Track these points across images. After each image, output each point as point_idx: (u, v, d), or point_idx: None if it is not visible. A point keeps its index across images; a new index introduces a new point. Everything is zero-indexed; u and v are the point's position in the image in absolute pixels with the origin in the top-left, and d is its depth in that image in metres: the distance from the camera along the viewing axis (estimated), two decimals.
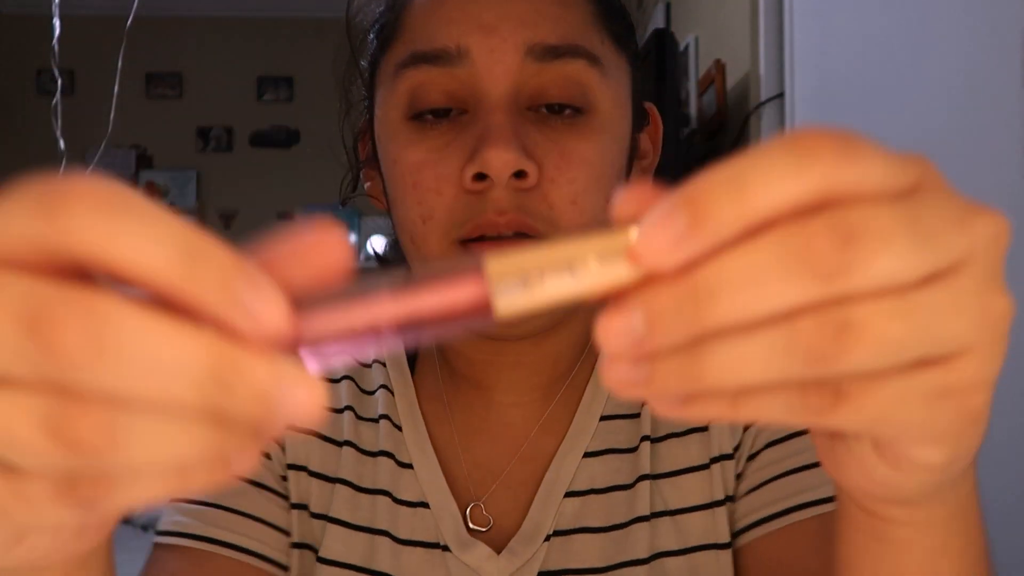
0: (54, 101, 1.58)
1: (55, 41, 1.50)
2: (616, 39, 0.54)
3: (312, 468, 0.57)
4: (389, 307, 0.22)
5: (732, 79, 1.95)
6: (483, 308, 0.22)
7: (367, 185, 0.62)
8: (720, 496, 0.56)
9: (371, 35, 0.58)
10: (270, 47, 3.93)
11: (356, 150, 0.63)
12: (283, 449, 0.58)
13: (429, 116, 0.51)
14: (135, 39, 1.50)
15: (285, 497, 0.57)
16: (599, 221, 0.50)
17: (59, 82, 1.57)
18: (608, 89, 0.52)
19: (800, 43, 1.61)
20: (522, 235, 0.49)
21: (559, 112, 0.51)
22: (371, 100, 0.57)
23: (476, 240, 0.49)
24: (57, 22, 1.50)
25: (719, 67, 2.01)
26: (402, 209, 0.52)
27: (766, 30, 1.73)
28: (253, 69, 4.01)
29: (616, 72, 0.54)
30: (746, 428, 0.57)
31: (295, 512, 0.57)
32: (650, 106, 0.61)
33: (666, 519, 0.55)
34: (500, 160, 0.47)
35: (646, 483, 0.56)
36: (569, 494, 0.56)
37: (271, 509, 0.56)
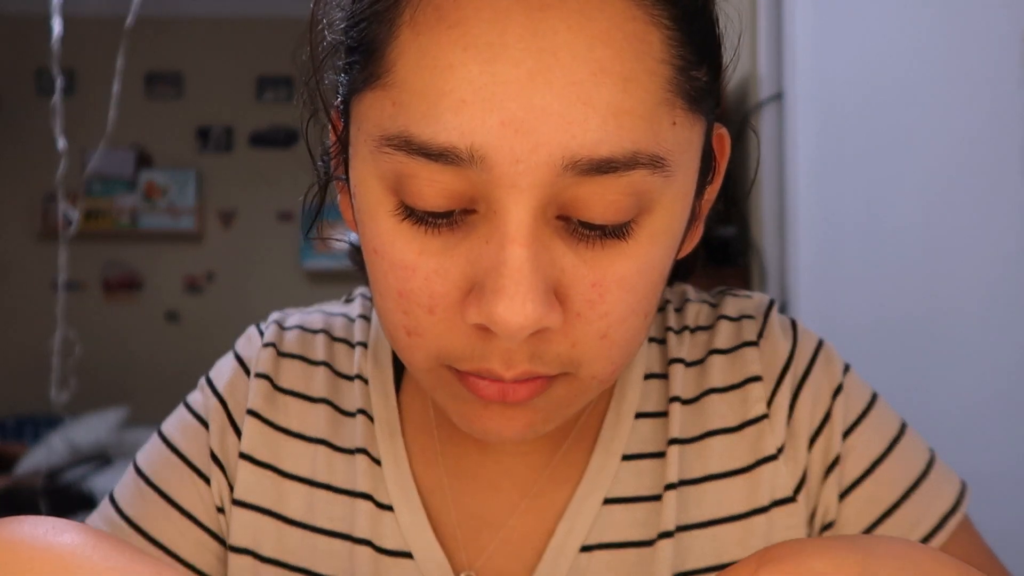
0: (54, 101, 1.58)
1: (55, 41, 1.50)
2: (694, 102, 0.39)
3: (281, 512, 0.51)
4: None
5: (732, 79, 1.95)
6: None
7: (339, 199, 0.48)
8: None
9: (340, 57, 0.42)
10: (270, 47, 3.92)
11: (327, 163, 0.49)
12: (230, 486, 0.51)
13: (426, 216, 0.38)
14: (135, 39, 1.50)
15: (212, 534, 0.51)
16: (631, 346, 0.41)
17: (59, 82, 1.57)
18: (671, 186, 0.38)
19: (800, 43, 1.61)
20: (532, 379, 0.40)
21: (599, 226, 0.37)
22: (346, 124, 0.43)
23: (473, 375, 0.40)
24: (57, 22, 1.50)
25: None
26: (382, 303, 0.41)
27: (766, 30, 1.73)
28: (253, 69, 4.01)
29: (687, 152, 0.39)
30: (808, 466, 0.50)
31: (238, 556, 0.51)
32: (720, 137, 0.46)
33: None
34: (515, 322, 0.35)
35: (667, 542, 0.48)
36: (585, 548, 0.48)
37: (189, 546, 0.51)
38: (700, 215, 0.46)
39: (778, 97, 1.69)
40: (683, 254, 0.46)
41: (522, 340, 0.38)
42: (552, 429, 0.44)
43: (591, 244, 0.38)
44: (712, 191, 0.47)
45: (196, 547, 0.51)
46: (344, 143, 0.43)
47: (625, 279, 0.38)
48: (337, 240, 0.56)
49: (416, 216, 0.38)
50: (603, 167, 0.35)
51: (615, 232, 0.38)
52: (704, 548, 0.49)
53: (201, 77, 4.02)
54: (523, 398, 0.40)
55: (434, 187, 0.37)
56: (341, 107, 0.43)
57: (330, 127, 0.47)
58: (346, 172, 0.44)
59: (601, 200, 0.36)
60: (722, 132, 0.46)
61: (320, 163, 0.50)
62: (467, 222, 0.38)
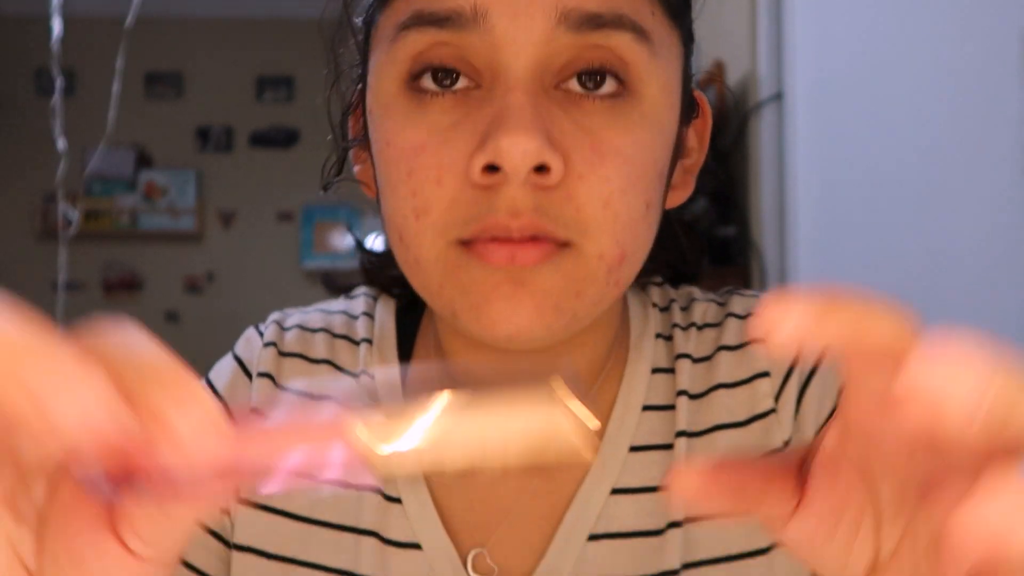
0: (54, 101, 1.58)
1: (55, 41, 1.50)
2: (670, 11, 0.45)
3: (285, 509, 0.52)
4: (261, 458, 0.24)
5: (732, 79, 1.95)
6: (363, 463, 0.24)
7: (356, 169, 0.52)
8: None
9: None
10: (270, 47, 3.93)
11: (344, 126, 0.53)
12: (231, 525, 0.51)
13: (432, 87, 0.42)
14: (135, 39, 1.50)
15: (216, 535, 0.52)
16: (636, 231, 0.43)
17: (59, 82, 1.57)
18: (656, 71, 0.43)
19: (800, 43, 1.61)
20: (539, 240, 0.41)
21: (593, 91, 0.41)
22: (364, 67, 0.47)
23: (482, 240, 0.41)
24: (57, 22, 1.50)
25: (719, 67, 2.01)
26: (392, 200, 0.43)
27: (766, 30, 1.73)
28: (253, 69, 4.01)
29: (667, 52, 0.44)
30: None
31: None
32: (700, 95, 0.51)
33: (705, 568, 0.49)
34: (518, 149, 0.38)
35: (676, 531, 0.49)
36: (593, 537, 0.49)
37: (197, 551, 0.51)
38: (688, 151, 0.51)
39: (778, 97, 1.69)
40: (674, 203, 0.50)
41: (527, 185, 0.40)
42: (561, 328, 0.43)
43: (588, 111, 0.41)
44: (695, 134, 0.51)
45: (197, 548, 0.51)
46: (363, 78, 0.48)
47: (622, 150, 0.41)
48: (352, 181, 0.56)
49: (428, 95, 0.42)
50: (593, 20, 0.40)
51: (610, 104, 0.41)
52: (712, 540, 0.49)
53: (201, 77, 4.02)
54: (532, 261, 0.41)
55: (444, 50, 0.41)
56: (361, 41, 0.48)
57: (350, 99, 0.52)
58: (365, 129, 0.47)
59: (595, 56, 0.41)
60: (700, 95, 0.52)
61: (339, 137, 0.53)
62: (473, 98, 0.41)
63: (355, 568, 0.50)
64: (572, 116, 0.41)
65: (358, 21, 0.49)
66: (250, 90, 4.03)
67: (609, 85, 0.42)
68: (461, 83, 0.42)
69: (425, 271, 0.43)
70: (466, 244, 0.42)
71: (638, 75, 0.42)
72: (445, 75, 0.41)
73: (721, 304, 0.57)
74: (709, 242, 1.80)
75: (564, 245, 0.41)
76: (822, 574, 0.29)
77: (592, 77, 0.42)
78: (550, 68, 0.41)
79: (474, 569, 0.49)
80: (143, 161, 4.00)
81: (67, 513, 0.27)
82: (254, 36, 3.97)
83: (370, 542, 0.50)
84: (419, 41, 0.41)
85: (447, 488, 0.51)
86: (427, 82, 0.42)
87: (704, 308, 0.56)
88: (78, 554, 0.27)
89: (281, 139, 4.02)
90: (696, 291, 0.58)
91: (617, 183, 0.41)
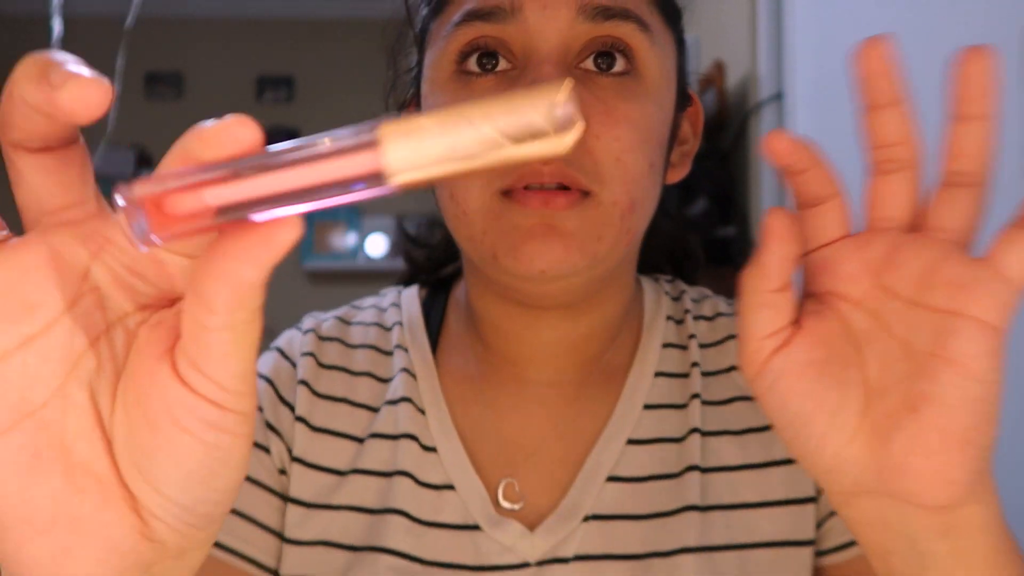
0: None
1: (55, 41, 1.50)
2: (665, 16, 0.55)
3: (324, 464, 0.57)
4: (283, 175, 0.25)
5: (732, 79, 1.95)
6: (376, 175, 0.24)
7: None
8: (792, 495, 0.55)
9: (423, 2, 0.57)
10: (270, 47, 3.93)
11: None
12: (288, 449, 0.58)
13: (477, 70, 0.51)
14: (135, 39, 1.50)
15: (280, 495, 0.57)
16: (643, 185, 0.51)
17: None
18: (655, 58, 0.52)
19: (800, 43, 1.61)
20: (565, 188, 0.48)
21: (606, 70, 0.51)
22: (419, 68, 0.57)
23: (519, 189, 0.49)
24: (57, 22, 1.50)
25: (719, 67, 2.01)
26: None
27: (766, 30, 1.73)
28: (253, 69, 4.01)
29: (664, 44, 0.54)
30: None
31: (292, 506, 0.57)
32: (693, 93, 0.60)
33: (717, 512, 0.54)
34: None
35: (695, 474, 0.55)
36: (612, 478, 0.55)
37: (263, 508, 0.57)
38: (684, 137, 0.59)
39: (778, 97, 1.69)
40: (673, 179, 0.58)
41: None
42: (584, 266, 0.50)
43: (602, 85, 0.50)
44: (689, 124, 0.60)
45: (269, 509, 0.57)
46: (418, 79, 0.57)
47: (630, 117, 0.50)
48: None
49: (474, 77, 0.51)
50: (604, 13, 0.50)
51: (619, 81, 0.50)
52: (722, 490, 0.55)
53: (201, 77, 4.02)
54: (561, 207, 0.48)
55: (488, 39, 0.51)
56: (416, 66, 0.58)
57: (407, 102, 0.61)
58: (418, 104, 0.56)
59: (606, 41, 0.50)
60: (693, 93, 0.60)
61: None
62: (510, 77, 0.50)
63: (389, 503, 0.55)
64: (589, 89, 0.50)
65: (416, 30, 0.58)
66: (250, 90, 4.03)
67: (619, 65, 0.51)
68: (501, 65, 0.51)
69: (471, 221, 0.50)
70: (506, 194, 0.49)
71: (641, 58, 0.51)
72: (488, 59, 0.51)
73: (730, 304, 0.63)
74: (709, 242, 1.80)
75: (586, 194, 0.49)
76: (820, 435, 0.35)
77: (605, 59, 0.50)
78: (571, 50, 0.50)
79: (504, 498, 0.55)
80: (143, 161, 4.00)
81: (136, 356, 0.28)
82: (254, 36, 3.97)
83: (405, 481, 0.56)
84: (468, 33, 0.51)
85: (479, 436, 0.57)
86: (473, 65, 0.51)
87: (714, 303, 0.64)
88: (143, 393, 0.27)
89: (281, 139, 4.01)
90: (708, 291, 0.66)
91: (626, 142, 0.49)
